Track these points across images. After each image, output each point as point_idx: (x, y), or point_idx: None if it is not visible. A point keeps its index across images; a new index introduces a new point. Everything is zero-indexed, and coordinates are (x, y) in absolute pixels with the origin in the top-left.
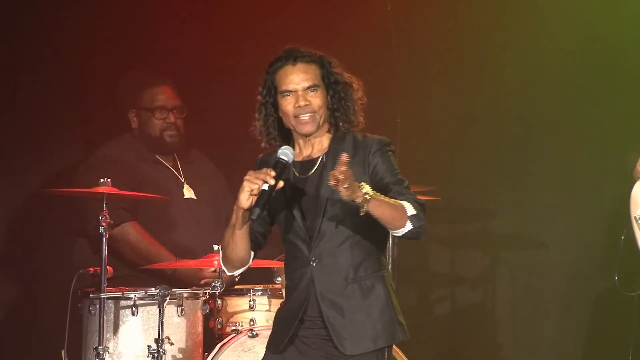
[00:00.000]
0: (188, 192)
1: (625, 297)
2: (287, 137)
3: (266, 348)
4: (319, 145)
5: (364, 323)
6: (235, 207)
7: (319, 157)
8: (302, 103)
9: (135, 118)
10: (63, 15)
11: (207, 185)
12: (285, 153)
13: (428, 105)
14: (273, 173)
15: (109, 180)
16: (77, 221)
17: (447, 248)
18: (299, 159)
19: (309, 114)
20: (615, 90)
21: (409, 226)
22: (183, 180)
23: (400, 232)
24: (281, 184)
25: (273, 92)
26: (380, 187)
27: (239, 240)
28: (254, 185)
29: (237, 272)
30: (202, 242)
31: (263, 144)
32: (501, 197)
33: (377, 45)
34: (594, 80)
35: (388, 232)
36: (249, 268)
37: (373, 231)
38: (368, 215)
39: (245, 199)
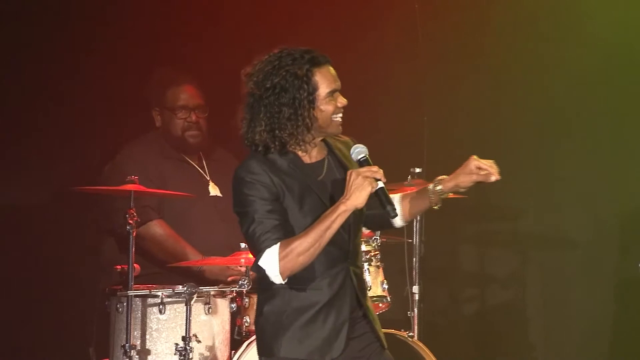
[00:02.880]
0: (214, 190)
1: None
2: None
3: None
4: (318, 147)
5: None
6: (343, 207)
7: (324, 159)
8: (345, 102)
9: (158, 117)
10: (91, 15)
11: None
12: (364, 151)
13: (455, 103)
14: (381, 170)
15: (136, 177)
16: (104, 219)
17: (477, 247)
18: (307, 161)
19: (341, 114)
20: None
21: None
22: (208, 178)
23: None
24: (384, 180)
25: (312, 91)
26: None
27: (327, 242)
28: (374, 184)
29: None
30: (228, 239)
31: (269, 149)
32: (531, 196)
33: (404, 44)
34: (624, 77)
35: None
36: None
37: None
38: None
39: (365, 199)
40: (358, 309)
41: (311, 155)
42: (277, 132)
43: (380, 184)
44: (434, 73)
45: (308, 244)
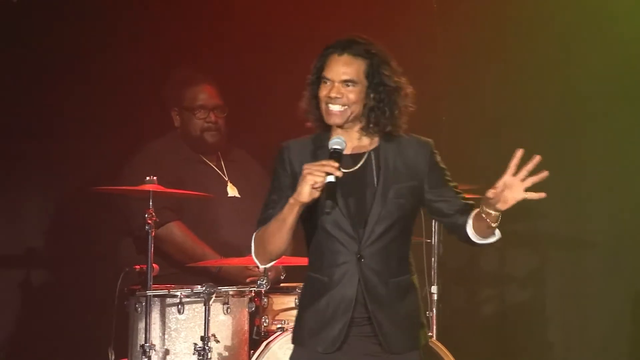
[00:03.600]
0: (232, 191)
1: None
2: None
3: (299, 343)
4: (360, 140)
5: (405, 323)
6: (291, 200)
7: (364, 153)
8: (333, 94)
9: (177, 117)
10: (111, 15)
11: (251, 184)
12: (339, 142)
13: (473, 103)
14: (336, 164)
15: (154, 178)
16: (122, 220)
17: (495, 247)
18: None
19: (338, 106)
20: None
21: (498, 234)
22: (227, 179)
23: (489, 240)
24: (341, 174)
25: (318, 75)
26: (441, 195)
27: (287, 233)
28: (318, 178)
29: (270, 265)
30: (247, 240)
31: (309, 124)
32: (550, 196)
33: (422, 44)
34: None
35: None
36: (294, 266)
37: (410, 233)
38: (410, 219)
39: (309, 193)
40: (363, 310)
41: (352, 145)
42: (307, 108)
43: (330, 178)
44: (453, 72)
45: (269, 233)
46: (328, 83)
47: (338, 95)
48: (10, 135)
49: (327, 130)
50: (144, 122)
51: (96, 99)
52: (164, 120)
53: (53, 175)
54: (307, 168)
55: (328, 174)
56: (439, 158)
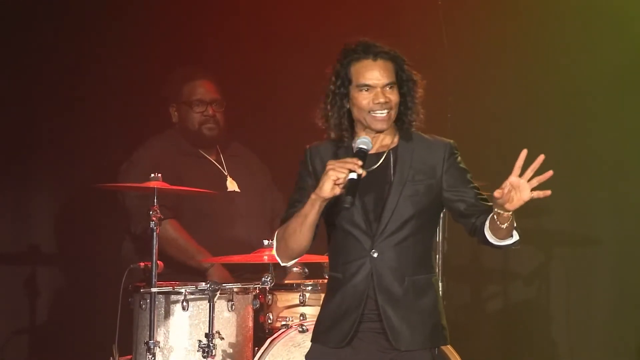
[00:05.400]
0: (231, 185)
1: None
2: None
3: (316, 340)
4: (383, 140)
5: (417, 321)
6: (313, 196)
7: (384, 152)
8: (381, 100)
9: (175, 112)
10: (113, 13)
11: (252, 178)
12: (366, 142)
13: (479, 100)
14: (360, 162)
15: (159, 175)
16: (120, 218)
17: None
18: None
19: (386, 111)
20: None
21: (516, 236)
22: (226, 174)
23: (506, 242)
24: (364, 173)
25: (347, 84)
26: (459, 195)
27: (308, 230)
28: (341, 175)
29: (292, 263)
30: (248, 235)
31: (332, 135)
32: (555, 193)
33: (427, 40)
34: None
35: (435, 235)
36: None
37: (431, 233)
38: (427, 218)
39: (330, 189)
40: (374, 306)
41: (377, 145)
42: (333, 120)
43: (353, 176)
44: (458, 69)
45: (290, 230)
46: (369, 90)
47: (385, 100)
48: (15, 133)
49: (351, 136)
50: (150, 119)
51: (101, 97)
52: (166, 119)
53: (58, 173)
54: (331, 164)
55: (351, 171)
56: (459, 158)
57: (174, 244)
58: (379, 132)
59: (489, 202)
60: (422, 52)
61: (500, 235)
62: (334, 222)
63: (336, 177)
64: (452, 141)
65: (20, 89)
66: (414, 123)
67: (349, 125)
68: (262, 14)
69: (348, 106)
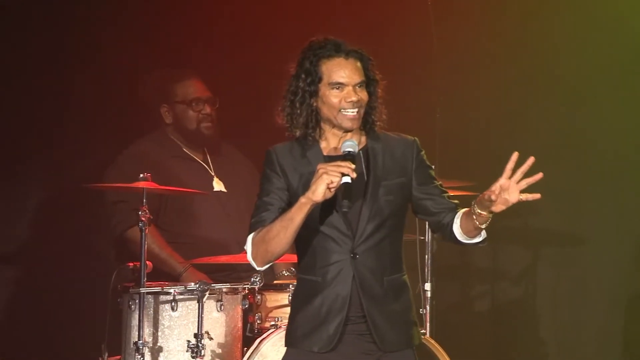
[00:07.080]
0: (218, 185)
1: None
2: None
3: (293, 345)
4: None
5: (399, 321)
6: (303, 199)
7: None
8: (353, 98)
9: (168, 113)
10: (106, 14)
11: (239, 178)
12: (353, 145)
13: (467, 99)
14: (353, 165)
15: (148, 175)
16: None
17: (488, 243)
18: (326, 153)
19: (356, 110)
20: None
21: (484, 234)
22: (213, 174)
23: (474, 240)
24: (355, 176)
25: (317, 81)
26: (427, 193)
27: (292, 233)
28: (335, 178)
29: (266, 267)
30: (234, 235)
31: (297, 133)
32: (543, 192)
33: (417, 39)
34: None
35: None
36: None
37: (402, 232)
38: (400, 216)
39: (323, 192)
40: (358, 308)
41: (333, 146)
42: (300, 119)
43: (346, 179)
44: (447, 68)
45: (273, 233)
46: (340, 88)
47: (357, 98)
48: (7, 133)
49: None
50: (143, 120)
51: (94, 98)
52: (149, 120)
53: (49, 174)
54: (323, 168)
55: (343, 174)
56: (424, 156)
57: (147, 249)
58: (348, 131)
59: (452, 198)
60: (411, 52)
61: (472, 234)
62: (306, 224)
63: (330, 180)
64: (416, 138)
65: (9, 89)
66: (377, 123)
67: (316, 123)
68: (252, 16)
69: (316, 104)
